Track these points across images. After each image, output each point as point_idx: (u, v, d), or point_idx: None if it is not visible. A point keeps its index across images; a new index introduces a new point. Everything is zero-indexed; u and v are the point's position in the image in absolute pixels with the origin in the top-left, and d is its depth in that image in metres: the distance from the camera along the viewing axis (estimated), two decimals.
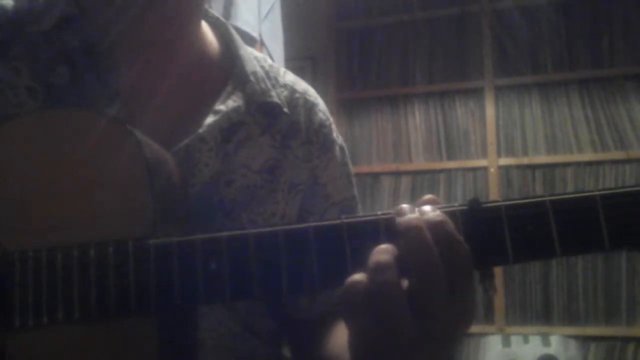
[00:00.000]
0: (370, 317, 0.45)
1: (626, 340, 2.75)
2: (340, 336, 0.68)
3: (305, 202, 0.73)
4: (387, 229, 0.47)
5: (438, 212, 0.46)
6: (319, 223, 0.48)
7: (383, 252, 0.45)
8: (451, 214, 0.47)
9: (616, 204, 0.45)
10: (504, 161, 2.97)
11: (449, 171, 3.05)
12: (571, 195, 0.46)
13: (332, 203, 0.75)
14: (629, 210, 0.45)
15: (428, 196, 0.49)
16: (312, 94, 0.78)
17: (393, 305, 0.44)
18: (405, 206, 0.47)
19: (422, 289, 0.44)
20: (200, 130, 0.64)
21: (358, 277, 0.45)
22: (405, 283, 0.45)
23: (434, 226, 0.45)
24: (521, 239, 0.46)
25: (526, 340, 2.76)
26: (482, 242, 0.46)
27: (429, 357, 0.47)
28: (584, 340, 2.78)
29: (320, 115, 0.76)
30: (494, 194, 2.93)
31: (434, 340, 0.45)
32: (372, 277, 0.45)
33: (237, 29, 0.78)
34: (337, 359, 0.65)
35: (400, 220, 0.46)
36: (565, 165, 2.90)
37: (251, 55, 0.73)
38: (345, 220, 0.48)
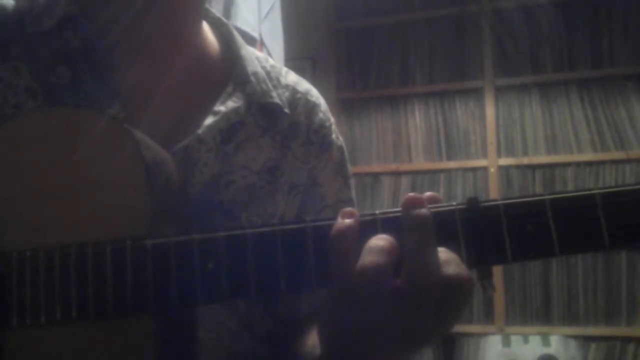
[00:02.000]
0: (354, 299, 0.45)
1: (626, 340, 2.75)
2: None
3: (303, 203, 0.73)
4: (385, 228, 0.47)
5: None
6: (316, 222, 0.48)
7: (382, 238, 0.46)
8: (450, 213, 0.47)
9: (616, 203, 0.45)
10: (504, 161, 2.97)
11: (449, 171, 3.05)
12: (570, 194, 0.46)
13: (325, 205, 0.74)
14: (629, 208, 0.45)
15: (429, 193, 0.49)
16: (314, 94, 0.78)
17: (377, 291, 0.45)
18: (416, 196, 0.47)
19: (412, 284, 0.45)
20: (199, 132, 0.64)
21: (347, 222, 0.46)
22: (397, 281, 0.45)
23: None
24: (520, 238, 0.46)
25: (526, 340, 2.76)
26: (481, 240, 0.46)
27: (399, 356, 0.47)
28: (584, 340, 2.78)
29: (321, 115, 0.76)
30: (494, 194, 2.93)
31: (411, 340, 0.46)
32: (364, 256, 0.45)
33: (237, 29, 0.78)
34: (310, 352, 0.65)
35: (413, 211, 0.46)
36: (565, 165, 2.90)
37: (252, 56, 0.73)
38: None
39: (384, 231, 0.47)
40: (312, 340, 0.66)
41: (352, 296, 0.46)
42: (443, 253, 0.46)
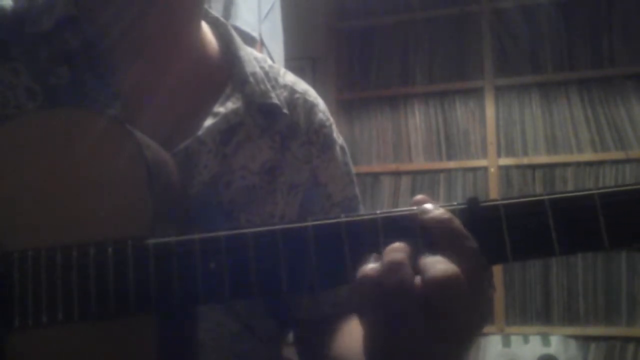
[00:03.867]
0: (383, 315, 0.45)
1: (626, 340, 2.75)
2: (347, 337, 0.68)
3: (307, 203, 0.73)
4: (386, 228, 0.47)
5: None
6: (317, 222, 0.48)
7: (397, 250, 0.45)
8: (450, 213, 0.47)
9: (614, 203, 0.45)
10: (504, 161, 2.97)
11: (449, 171, 3.05)
12: (569, 194, 0.46)
13: (333, 203, 0.75)
14: (628, 208, 0.45)
15: (419, 196, 0.49)
16: (312, 94, 0.78)
17: (406, 305, 0.44)
18: (428, 205, 0.47)
19: (442, 288, 0.44)
20: (199, 133, 0.64)
21: (370, 270, 0.45)
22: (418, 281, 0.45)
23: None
24: (520, 238, 0.46)
25: (526, 340, 2.76)
26: (481, 240, 0.46)
27: (442, 358, 0.47)
28: (584, 340, 2.78)
29: (320, 115, 0.76)
30: (494, 194, 2.93)
31: (447, 341, 0.45)
32: (387, 276, 0.44)
33: (237, 29, 0.78)
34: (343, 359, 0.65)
35: (429, 215, 0.46)
36: (565, 165, 2.90)
37: (251, 56, 0.73)
38: (344, 219, 0.48)
39: (384, 230, 0.47)
40: (347, 342, 0.66)
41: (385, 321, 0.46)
42: (430, 257, 0.45)
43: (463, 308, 0.44)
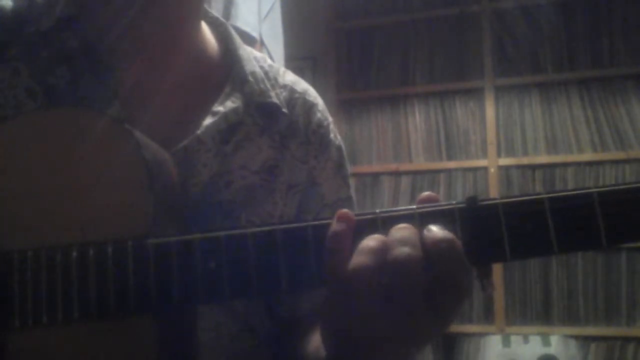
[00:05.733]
0: (348, 299, 0.46)
1: (626, 340, 2.75)
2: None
3: (303, 203, 0.73)
4: (386, 227, 0.47)
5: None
6: (317, 222, 0.48)
7: (372, 238, 0.47)
8: (449, 212, 0.47)
9: (613, 201, 0.46)
10: (504, 161, 2.97)
11: (449, 171, 3.05)
12: (568, 193, 0.46)
13: (325, 204, 0.74)
14: (626, 207, 0.45)
15: (426, 193, 0.49)
16: (312, 94, 0.78)
17: (368, 290, 0.45)
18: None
19: (397, 276, 0.45)
20: (198, 132, 0.64)
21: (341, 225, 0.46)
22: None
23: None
24: (518, 236, 0.46)
25: (526, 340, 2.76)
26: (480, 239, 0.46)
27: (400, 355, 0.48)
28: (584, 340, 2.78)
29: (319, 115, 0.76)
30: (494, 194, 2.93)
31: (409, 338, 0.47)
32: (354, 257, 0.45)
33: (237, 29, 0.78)
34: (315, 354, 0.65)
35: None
36: (565, 165, 2.90)
37: (250, 56, 0.73)
38: None
39: (384, 230, 0.47)
40: (317, 340, 0.66)
41: (346, 296, 0.46)
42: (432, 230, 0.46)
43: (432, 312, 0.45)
